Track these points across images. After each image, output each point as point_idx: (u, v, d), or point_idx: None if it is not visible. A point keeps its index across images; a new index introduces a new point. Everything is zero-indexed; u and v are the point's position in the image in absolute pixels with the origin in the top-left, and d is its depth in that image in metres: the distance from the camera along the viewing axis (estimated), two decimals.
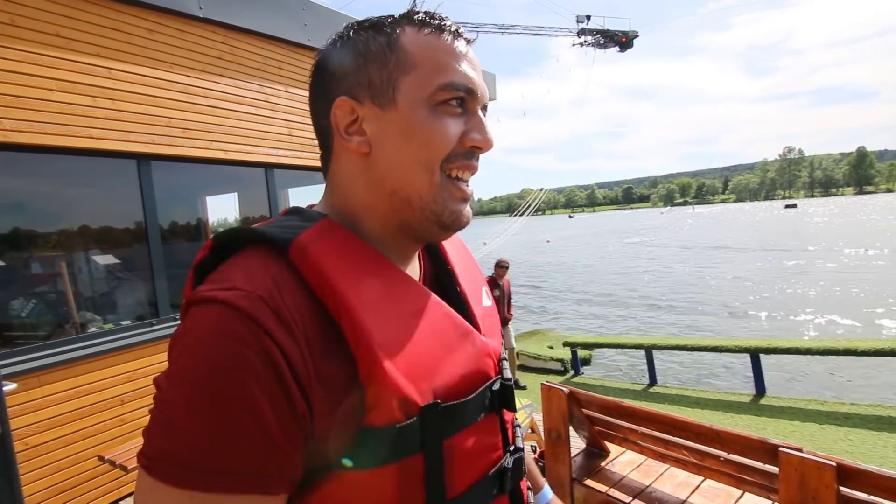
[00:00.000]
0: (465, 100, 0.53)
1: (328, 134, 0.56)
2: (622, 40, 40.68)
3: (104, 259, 3.36)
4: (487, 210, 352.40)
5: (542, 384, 2.37)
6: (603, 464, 2.40)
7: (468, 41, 0.55)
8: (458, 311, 0.57)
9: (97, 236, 3.31)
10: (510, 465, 0.56)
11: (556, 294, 17.18)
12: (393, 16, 0.55)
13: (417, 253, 0.61)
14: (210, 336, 0.40)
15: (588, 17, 40.17)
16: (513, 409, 0.58)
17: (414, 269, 0.60)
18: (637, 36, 40.50)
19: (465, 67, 0.53)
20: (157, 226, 3.38)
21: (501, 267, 5.99)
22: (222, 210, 4.68)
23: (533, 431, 3.23)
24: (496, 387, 0.56)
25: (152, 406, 0.41)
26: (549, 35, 43.49)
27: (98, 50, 2.98)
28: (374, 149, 0.53)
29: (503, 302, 5.94)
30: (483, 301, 0.65)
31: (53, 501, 2.67)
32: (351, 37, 0.54)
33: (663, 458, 2.23)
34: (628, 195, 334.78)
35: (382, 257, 0.52)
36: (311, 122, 0.59)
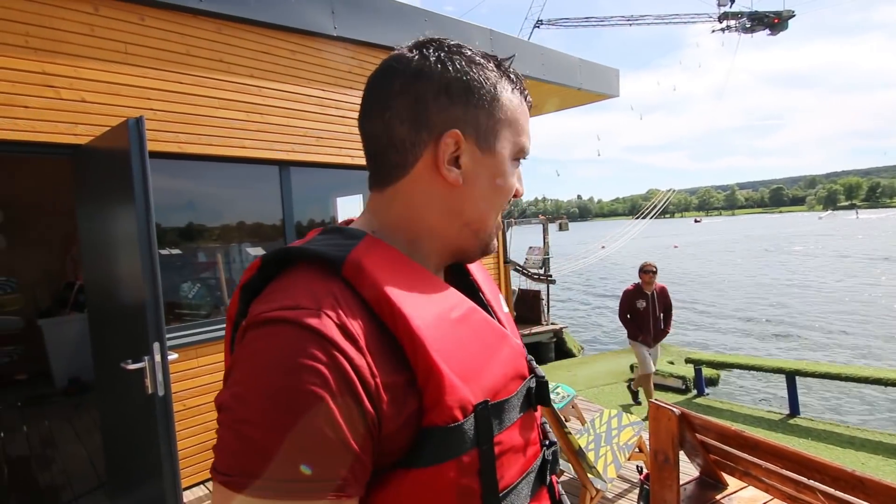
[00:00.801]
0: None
1: (405, 149, 0.57)
2: (774, 21, 36.03)
3: (252, 251, 3.87)
4: (608, 212, 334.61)
5: (650, 401, 2.24)
6: (719, 496, 2.19)
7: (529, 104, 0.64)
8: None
9: (247, 231, 3.83)
10: (550, 458, 0.62)
11: (683, 305, 15.81)
12: (492, 58, 0.60)
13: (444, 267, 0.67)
14: (283, 355, 0.43)
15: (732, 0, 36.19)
16: (547, 405, 0.62)
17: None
18: (793, 15, 35.57)
19: (529, 132, 0.62)
20: (294, 223, 3.81)
21: (647, 272, 5.03)
22: (351, 210, 5.11)
23: (640, 451, 3.05)
24: (532, 385, 0.60)
25: (218, 427, 0.44)
26: (685, 23, 40.03)
27: (251, 71, 3.45)
28: (466, 184, 0.58)
29: (652, 313, 5.01)
30: (503, 308, 0.71)
31: (202, 456, 3.15)
32: (456, 66, 0.56)
33: (793, 500, 1.97)
34: (777, 197, 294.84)
35: (425, 270, 0.56)
36: None
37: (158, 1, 2.98)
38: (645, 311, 5.04)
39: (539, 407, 0.62)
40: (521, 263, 10.68)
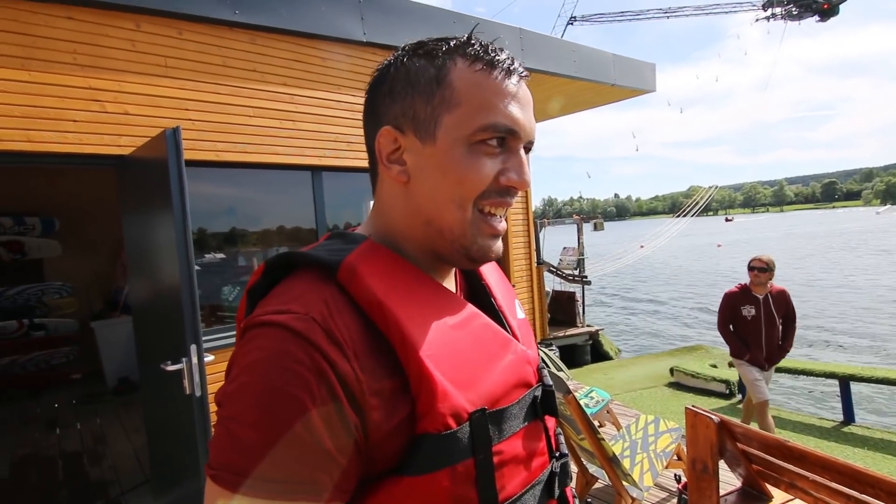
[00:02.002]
0: (505, 139, 0.54)
1: (371, 154, 0.59)
2: (824, 7, 34.25)
3: None
4: (647, 210, 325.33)
5: (686, 408, 2.15)
6: None
7: (521, 77, 0.56)
8: (495, 322, 0.59)
9: (284, 235, 3.93)
10: (558, 471, 0.58)
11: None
12: (450, 43, 0.55)
13: (454, 270, 0.63)
14: (268, 357, 0.44)
15: None
16: (555, 415, 0.60)
17: (451, 284, 0.62)
18: (844, 0, 33.68)
19: (511, 107, 0.53)
20: (326, 226, 3.88)
21: (759, 269, 3.71)
22: None
23: (679, 459, 2.94)
24: (538, 393, 0.58)
25: (216, 422, 0.46)
26: (726, 12, 38.57)
27: (284, 79, 3.53)
28: (412, 180, 0.55)
29: (766, 324, 3.72)
30: (517, 313, 0.67)
31: None
32: (404, 63, 0.56)
33: None
34: (830, 191, 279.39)
35: (424, 275, 0.55)
36: None
37: (195, 15, 3.09)
38: (755, 322, 3.75)
39: (548, 417, 0.60)
40: (555, 265, 10.53)
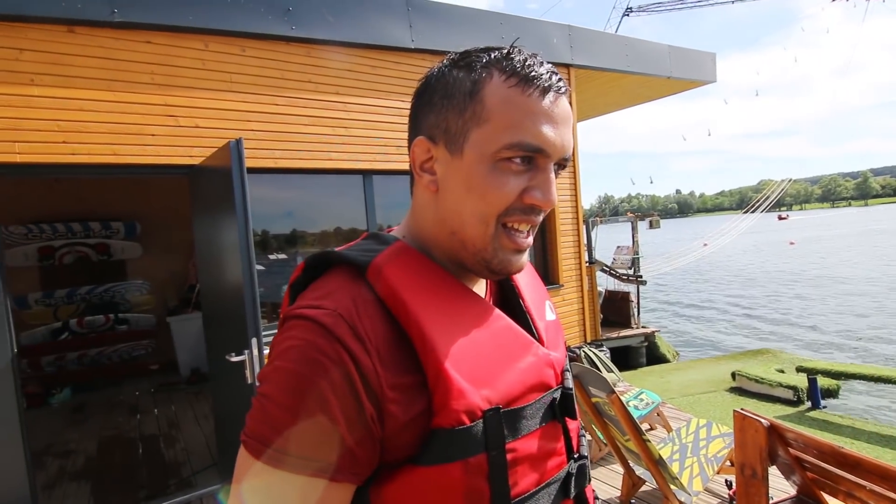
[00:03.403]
0: (533, 157, 0.54)
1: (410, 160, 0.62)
2: None
3: None
4: (712, 206, 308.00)
5: (734, 411, 2.09)
6: None
7: (558, 93, 0.55)
8: (522, 324, 0.61)
9: (339, 236, 4.13)
10: (574, 471, 0.60)
11: (799, 310, 14.21)
12: (491, 55, 0.56)
13: None
14: (299, 345, 0.49)
15: None
16: (574, 417, 0.61)
17: (480, 286, 0.65)
18: None
19: (541, 126, 0.53)
20: (376, 227, 4.04)
21: None
22: None
23: (732, 464, 2.83)
24: (557, 395, 0.60)
25: (256, 396, 0.51)
26: None
27: (337, 89, 3.72)
28: (441, 190, 0.58)
29: None
30: (546, 315, 0.68)
31: None
32: (444, 74, 0.57)
33: None
34: None
35: (450, 276, 0.58)
36: None
37: (257, 32, 3.33)
38: None
39: (569, 420, 0.62)
40: (609, 264, 10.27)
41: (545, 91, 0.54)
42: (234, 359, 2.55)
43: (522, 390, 0.55)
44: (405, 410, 0.50)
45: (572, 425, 0.63)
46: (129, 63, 2.93)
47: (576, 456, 0.62)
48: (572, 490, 0.60)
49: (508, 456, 0.52)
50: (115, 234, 6.13)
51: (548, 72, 0.55)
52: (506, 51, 0.56)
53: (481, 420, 0.50)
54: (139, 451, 3.97)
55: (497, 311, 0.59)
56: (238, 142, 2.56)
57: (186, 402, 5.01)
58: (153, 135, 3.00)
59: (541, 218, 0.59)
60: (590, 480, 0.64)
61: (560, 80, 0.56)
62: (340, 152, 3.73)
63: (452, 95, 0.56)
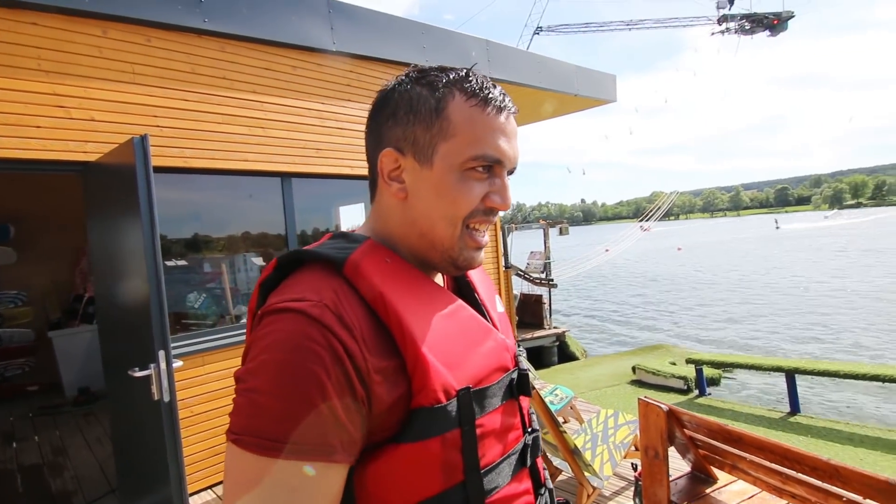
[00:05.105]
0: (492, 166, 0.63)
1: (373, 168, 0.67)
2: (773, 23, 36.09)
3: (256, 261, 3.98)
4: (612, 215, 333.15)
5: (639, 399, 2.30)
6: (708, 490, 2.25)
7: (510, 112, 0.64)
8: (478, 314, 0.67)
9: (251, 242, 3.94)
10: (530, 443, 0.67)
11: (687, 308, 15.80)
12: (449, 76, 0.63)
13: None
14: (287, 337, 0.51)
15: (731, 2, 36.30)
16: (528, 395, 0.69)
17: (439, 281, 0.71)
18: (792, 16, 35.67)
19: (499, 140, 0.62)
20: (296, 232, 3.92)
21: None
22: (353, 218, 5.20)
23: (637, 449, 3.10)
24: (514, 376, 0.66)
25: (234, 396, 0.52)
26: (684, 26, 40.18)
27: (253, 87, 3.56)
28: (410, 196, 0.64)
29: None
30: (497, 307, 0.76)
31: (209, 462, 3.23)
32: (407, 90, 0.63)
33: (780, 492, 2.04)
34: (782, 197, 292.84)
35: (418, 271, 0.64)
36: None
37: (164, 22, 3.10)
38: None
39: (522, 397, 0.68)
40: (523, 268, 10.74)
41: (500, 110, 0.63)
42: (139, 374, 2.34)
43: (487, 371, 0.61)
44: (389, 393, 0.54)
45: (525, 403, 0.70)
46: (11, 46, 2.60)
47: (529, 430, 0.69)
48: (528, 460, 0.67)
49: (478, 430, 0.58)
50: None
51: (500, 93, 0.64)
52: (463, 73, 0.64)
53: (455, 399, 0.56)
54: (18, 483, 3.49)
55: (461, 301, 0.65)
56: (143, 138, 2.37)
57: (74, 426, 4.48)
58: (38, 126, 2.69)
59: (495, 219, 0.67)
60: (541, 451, 0.72)
61: (510, 100, 0.65)
62: (258, 153, 3.57)
63: (418, 111, 0.62)
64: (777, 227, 64.07)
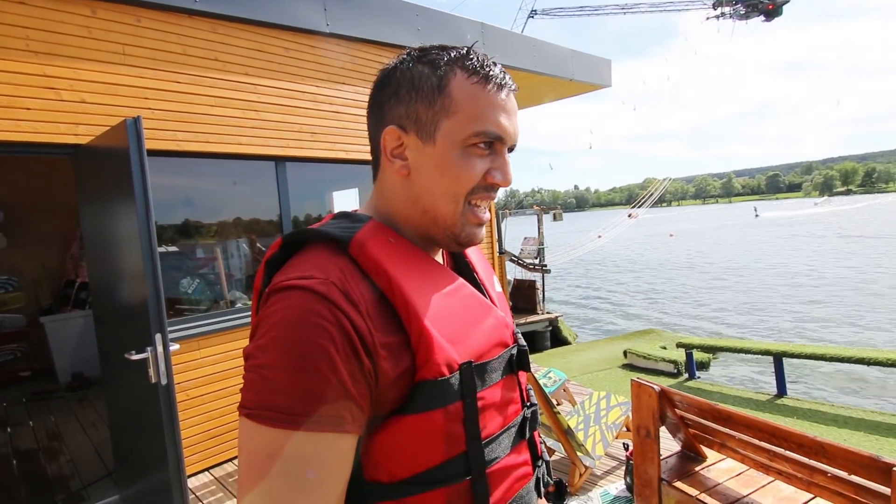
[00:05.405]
0: (493, 143, 0.64)
1: (375, 146, 0.68)
2: (769, 8, 35.95)
3: (250, 245, 3.97)
4: (605, 201, 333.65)
5: (631, 380, 2.35)
6: (698, 468, 2.31)
7: (510, 90, 0.65)
8: (478, 292, 0.69)
9: (245, 226, 3.92)
10: (528, 417, 0.70)
11: (679, 294, 15.97)
12: (450, 54, 0.64)
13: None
14: (296, 314, 0.52)
15: None
16: (527, 370, 0.71)
17: (439, 259, 0.73)
18: (787, 1, 35.50)
19: (500, 117, 0.63)
20: (290, 217, 3.90)
21: None
22: (347, 204, 5.19)
23: (628, 430, 3.17)
24: (514, 352, 0.69)
25: (244, 372, 0.53)
26: (679, 10, 39.92)
27: (246, 69, 3.52)
28: (413, 174, 0.65)
29: None
30: (495, 287, 0.79)
31: (206, 444, 3.27)
32: (409, 68, 0.64)
33: (766, 469, 2.10)
34: (774, 183, 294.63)
35: (420, 251, 0.65)
36: None
37: (154, 2, 3.04)
38: None
39: (521, 372, 0.71)
40: (517, 254, 10.78)
41: (501, 87, 0.64)
42: (135, 357, 2.35)
43: (488, 347, 0.63)
44: (394, 367, 0.55)
45: (523, 378, 0.72)
46: None
47: (528, 404, 0.72)
48: (527, 433, 0.69)
49: (479, 403, 0.60)
50: None
51: (501, 71, 0.65)
52: (464, 51, 0.64)
53: (458, 372, 0.58)
54: (14, 468, 3.51)
55: (462, 280, 0.67)
56: (136, 120, 2.34)
57: (68, 411, 4.49)
58: (28, 108, 2.64)
59: (496, 195, 0.67)
60: (539, 424, 0.74)
61: (510, 78, 0.66)
62: (251, 136, 3.54)
63: (420, 89, 0.63)
64: (756, 216, 64.62)
